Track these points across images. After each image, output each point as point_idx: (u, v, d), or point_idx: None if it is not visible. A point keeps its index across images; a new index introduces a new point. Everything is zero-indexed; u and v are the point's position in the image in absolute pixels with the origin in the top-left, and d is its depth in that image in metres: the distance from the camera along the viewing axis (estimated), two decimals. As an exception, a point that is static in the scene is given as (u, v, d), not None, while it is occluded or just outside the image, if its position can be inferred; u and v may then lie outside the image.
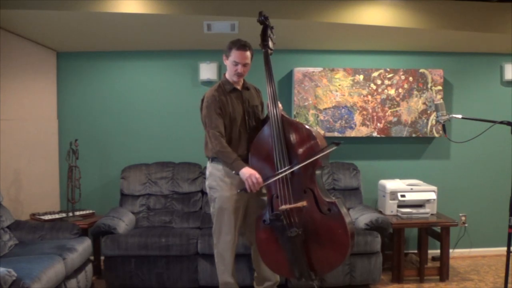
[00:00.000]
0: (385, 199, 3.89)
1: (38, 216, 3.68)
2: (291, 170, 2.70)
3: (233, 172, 2.80)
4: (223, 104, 2.87)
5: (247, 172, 2.71)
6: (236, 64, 2.85)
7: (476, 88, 4.49)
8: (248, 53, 2.86)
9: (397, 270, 3.72)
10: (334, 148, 2.69)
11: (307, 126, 2.81)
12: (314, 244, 2.70)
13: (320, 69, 4.22)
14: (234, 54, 2.84)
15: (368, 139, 4.39)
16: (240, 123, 2.92)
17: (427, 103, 4.31)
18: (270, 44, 2.91)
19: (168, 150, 4.30)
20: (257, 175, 2.69)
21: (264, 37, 2.89)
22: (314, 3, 3.40)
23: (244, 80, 3.02)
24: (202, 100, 2.96)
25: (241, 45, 2.83)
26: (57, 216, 3.72)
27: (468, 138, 2.92)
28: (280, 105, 2.88)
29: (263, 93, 3.08)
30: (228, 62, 2.90)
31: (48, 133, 4.15)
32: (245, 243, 3.23)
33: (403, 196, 3.84)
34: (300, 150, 2.75)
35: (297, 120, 3.95)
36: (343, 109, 4.24)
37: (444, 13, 3.59)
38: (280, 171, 2.72)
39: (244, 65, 2.86)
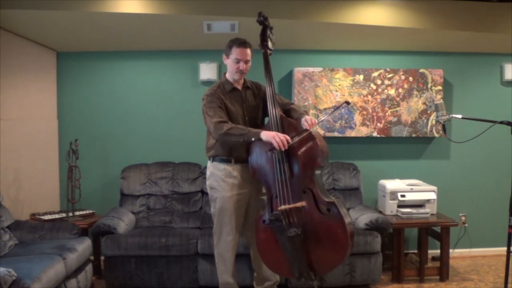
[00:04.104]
0: (385, 199, 3.89)
1: (38, 216, 3.68)
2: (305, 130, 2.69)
3: (253, 139, 2.71)
4: (223, 102, 2.87)
5: (270, 132, 2.67)
6: (238, 61, 2.84)
7: (476, 88, 4.49)
8: (249, 50, 2.86)
9: (397, 270, 3.72)
10: (344, 105, 2.81)
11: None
12: (313, 244, 2.70)
13: (320, 69, 4.22)
14: (235, 52, 2.83)
15: (368, 139, 4.39)
16: (240, 123, 2.91)
17: (427, 103, 4.31)
18: (270, 44, 2.90)
19: (168, 150, 4.29)
20: (283, 134, 2.65)
21: (264, 37, 2.89)
22: (314, 3, 3.40)
23: (244, 79, 3.01)
24: (203, 100, 2.96)
25: (241, 43, 2.83)
26: (57, 216, 3.72)
27: (468, 138, 2.93)
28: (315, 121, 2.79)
29: None
30: (229, 61, 2.89)
31: (48, 133, 4.15)
32: (245, 243, 3.23)
33: (403, 196, 3.84)
34: (299, 150, 2.74)
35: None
36: (343, 109, 4.24)
37: (444, 13, 3.59)
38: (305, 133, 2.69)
39: (246, 62, 2.86)
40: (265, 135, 2.66)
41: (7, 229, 3.26)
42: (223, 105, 2.86)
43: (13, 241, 3.22)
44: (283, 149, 2.63)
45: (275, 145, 2.60)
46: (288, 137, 2.64)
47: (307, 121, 2.73)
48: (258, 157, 2.84)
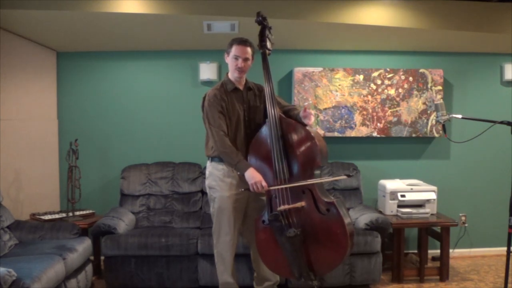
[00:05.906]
0: (385, 199, 3.89)
1: (38, 216, 3.68)
2: (302, 183, 2.71)
3: (238, 173, 2.79)
4: (224, 103, 2.88)
5: (252, 177, 2.73)
6: (236, 58, 2.85)
7: (476, 88, 4.49)
8: (249, 49, 2.87)
9: (397, 270, 3.72)
10: (343, 177, 2.94)
11: (305, 126, 2.80)
12: (313, 245, 2.70)
13: (320, 69, 4.22)
14: (235, 49, 2.85)
15: (368, 139, 4.39)
16: (240, 123, 2.92)
17: (427, 103, 4.31)
18: (268, 44, 2.91)
19: (168, 150, 4.30)
20: (263, 183, 2.72)
21: (262, 37, 2.89)
22: (314, 3, 3.40)
23: (246, 80, 3.02)
24: (204, 99, 2.97)
25: (241, 41, 2.86)
26: (57, 216, 3.72)
27: (468, 138, 2.93)
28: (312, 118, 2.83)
29: None
30: (229, 59, 2.91)
31: (48, 133, 4.15)
32: (245, 243, 3.23)
33: (403, 196, 3.84)
34: (298, 151, 2.75)
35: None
36: (343, 109, 4.24)
37: (444, 13, 3.59)
38: (290, 184, 2.72)
39: (245, 59, 2.86)
40: (248, 176, 2.74)
41: (7, 229, 3.26)
42: (224, 109, 2.87)
43: (13, 241, 3.22)
44: (257, 192, 2.77)
45: (251, 188, 2.74)
46: (266, 188, 2.73)
47: (306, 111, 2.77)
48: (257, 157, 2.84)
